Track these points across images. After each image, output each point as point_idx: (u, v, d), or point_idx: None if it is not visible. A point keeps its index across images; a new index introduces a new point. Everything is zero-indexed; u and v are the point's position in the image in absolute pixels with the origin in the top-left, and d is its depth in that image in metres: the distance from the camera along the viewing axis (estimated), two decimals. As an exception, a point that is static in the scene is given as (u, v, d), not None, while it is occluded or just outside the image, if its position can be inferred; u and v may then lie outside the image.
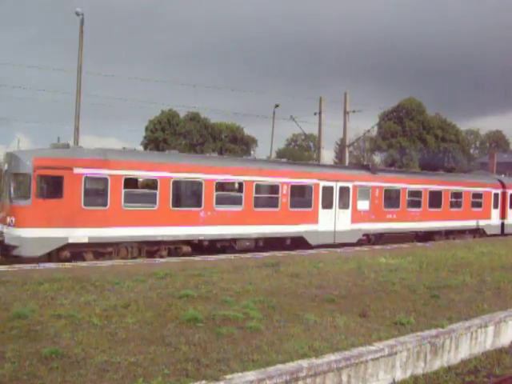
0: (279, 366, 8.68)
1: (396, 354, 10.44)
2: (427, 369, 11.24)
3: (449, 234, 35.27)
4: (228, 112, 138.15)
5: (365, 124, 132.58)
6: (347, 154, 42.78)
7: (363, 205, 29.38)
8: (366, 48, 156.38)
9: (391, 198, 31.38)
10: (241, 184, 24.50)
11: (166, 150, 70.06)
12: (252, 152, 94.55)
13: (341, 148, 58.73)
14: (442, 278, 17.79)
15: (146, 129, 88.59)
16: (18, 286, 13.48)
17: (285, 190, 25.93)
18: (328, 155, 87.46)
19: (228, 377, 8.08)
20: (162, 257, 21.62)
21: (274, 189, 25.87)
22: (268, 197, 25.94)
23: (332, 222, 27.95)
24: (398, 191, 31.57)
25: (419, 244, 30.63)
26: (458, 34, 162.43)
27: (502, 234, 39.11)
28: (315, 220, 27.29)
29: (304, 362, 8.93)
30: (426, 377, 10.98)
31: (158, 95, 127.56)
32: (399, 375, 10.60)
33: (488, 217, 38.17)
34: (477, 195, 37.12)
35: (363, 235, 29.65)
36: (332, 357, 9.34)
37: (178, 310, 11.78)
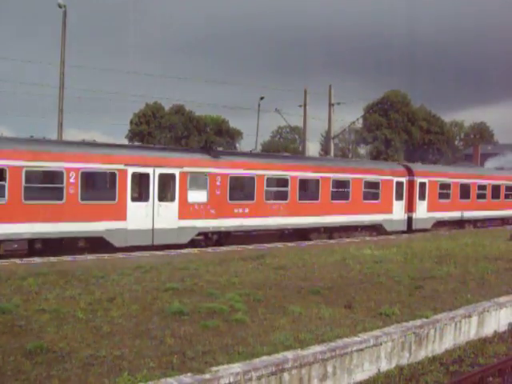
0: (265, 357, 8.70)
1: (381, 344, 10.50)
2: (412, 359, 11.31)
3: (333, 231, 29.74)
4: (213, 105, 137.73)
5: (350, 116, 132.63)
6: (332, 146, 42.87)
7: (198, 197, 23.68)
8: (351, 40, 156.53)
9: (242, 189, 26.12)
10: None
11: (151, 143, 69.92)
12: (237, 145, 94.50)
13: (326, 140, 58.83)
14: (426, 268, 17.91)
15: (131, 122, 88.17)
16: (1, 281, 13.38)
17: (72, 179, 20.35)
18: (314, 147, 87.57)
19: (213, 369, 8.09)
20: None
21: (56, 177, 20.41)
22: (49, 187, 20.57)
23: (149, 218, 22.26)
24: (251, 179, 25.68)
25: (404, 236, 30.78)
26: (442, 26, 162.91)
27: (409, 230, 33.35)
28: (122, 216, 21.54)
29: (289, 354, 8.96)
30: (410, 367, 11.05)
31: (143, 88, 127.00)
32: (384, 365, 10.67)
33: (388, 210, 32.25)
34: (372, 184, 31.25)
35: (199, 234, 23.96)
36: (317, 348, 9.37)
37: (163, 303, 11.76)
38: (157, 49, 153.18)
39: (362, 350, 10.06)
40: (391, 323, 11.31)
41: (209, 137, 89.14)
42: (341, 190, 29.59)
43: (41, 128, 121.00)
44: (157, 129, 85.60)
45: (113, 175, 21.51)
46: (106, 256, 19.03)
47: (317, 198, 28.31)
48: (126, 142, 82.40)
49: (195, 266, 16.36)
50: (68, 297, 11.98)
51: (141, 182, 22.81)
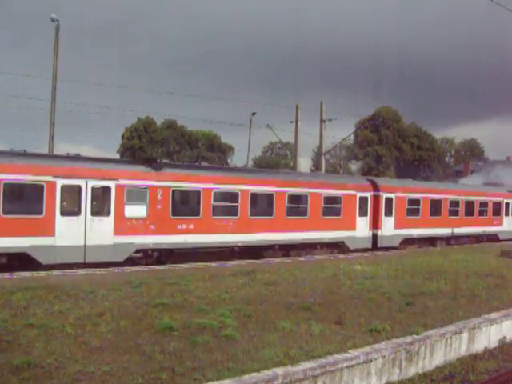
0: (254, 374, 8.64)
1: (371, 361, 10.45)
2: (402, 375, 11.26)
3: (290, 249, 27.87)
4: (205, 120, 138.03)
5: (342, 132, 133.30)
6: (323, 162, 42.98)
7: (136, 211, 22.08)
8: (342, 57, 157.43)
9: (186, 203, 24.89)
10: None
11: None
12: (229, 160, 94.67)
13: (317, 156, 59.00)
14: (417, 285, 17.89)
15: (123, 136, 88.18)
16: (-11, 296, 13.27)
17: None
18: (305, 163, 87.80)
19: (203, 385, 8.03)
20: None
21: None
22: None
23: (81, 233, 20.59)
24: (197, 193, 24.15)
25: (394, 251, 30.79)
26: (432, 43, 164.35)
27: (375, 247, 31.73)
28: (50, 231, 19.96)
29: (279, 370, 8.90)
30: (401, 383, 11.01)
31: (135, 103, 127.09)
32: (375, 382, 10.60)
33: (351, 227, 30.42)
34: (332, 199, 29.57)
35: (137, 251, 22.34)
36: (307, 364, 9.32)
37: (153, 318, 11.68)
38: (149, 64, 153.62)
39: (352, 366, 10.01)
40: (382, 340, 11.27)
41: (200, 152, 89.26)
42: (298, 205, 28.03)
43: (32, 141, 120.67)
44: (148, 143, 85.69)
45: (40, 187, 19.93)
46: (97, 271, 18.94)
47: (271, 214, 26.66)
48: (117, 156, 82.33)
49: (185, 282, 16.29)
50: (57, 312, 11.88)
51: (72, 194, 21.06)
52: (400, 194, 33.40)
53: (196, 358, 9.24)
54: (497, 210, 42.31)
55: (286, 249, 27.61)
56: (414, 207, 34.58)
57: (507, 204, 43.42)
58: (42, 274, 17.72)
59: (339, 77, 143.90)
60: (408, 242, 34.29)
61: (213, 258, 23.58)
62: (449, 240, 37.95)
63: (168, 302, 13.18)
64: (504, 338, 14.55)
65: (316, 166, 65.99)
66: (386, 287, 17.07)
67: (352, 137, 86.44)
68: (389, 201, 32.64)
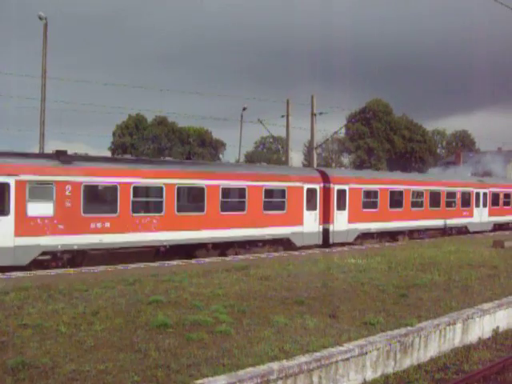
0: (250, 369, 8.66)
1: (366, 353, 10.50)
2: (397, 367, 11.33)
3: (226, 247, 25.58)
4: (196, 116, 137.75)
5: (333, 126, 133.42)
6: (315, 156, 42.99)
7: (41, 209, 19.88)
8: (333, 51, 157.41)
9: (102, 200, 22.58)
10: None
11: (134, 154, 69.69)
12: (221, 155, 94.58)
13: (309, 150, 59.03)
14: (410, 277, 17.97)
15: (114, 134, 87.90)
16: (-17, 296, 13.23)
17: None
18: (297, 157, 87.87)
19: (198, 382, 8.05)
20: None
21: None
22: None
23: None
24: (113, 189, 21.91)
25: (388, 244, 30.87)
26: (422, 34, 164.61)
27: (326, 244, 29.47)
28: None
29: (275, 365, 8.93)
30: (396, 375, 11.06)
31: (125, 100, 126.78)
32: (370, 375, 10.67)
33: (297, 222, 28.05)
34: (275, 193, 27.49)
35: (44, 253, 20.09)
36: (302, 358, 9.35)
37: (147, 315, 11.68)
38: (139, 60, 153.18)
39: (347, 359, 10.06)
40: (376, 332, 11.32)
41: (192, 148, 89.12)
42: (234, 199, 25.91)
43: (22, 140, 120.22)
44: (140, 140, 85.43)
45: None
46: (90, 269, 18.90)
47: (202, 210, 24.37)
48: (108, 153, 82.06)
49: (179, 278, 16.27)
50: (51, 311, 11.86)
51: None
52: (354, 186, 31.18)
53: (191, 355, 9.25)
54: (466, 200, 40.35)
55: (222, 247, 25.41)
56: (371, 200, 32.56)
57: (478, 194, 41.42)
58: (36, 273, 17.67)
59: (330, 71, 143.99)
60: (366, 236, 32.40)
61: (136, 259, 21.92)
62: (412, 234, 35.90)
63: (162, 299, 13.17)
64: (497, 327, 14.67)
65: (308, 161, 66.05)
66: (380, 280, 17.13)
67: (343, 130, 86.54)
68: (342, 193, 30.49)
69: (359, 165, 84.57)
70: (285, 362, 9.09)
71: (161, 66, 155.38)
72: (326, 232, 29.57)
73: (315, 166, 42.66)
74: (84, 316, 11.50)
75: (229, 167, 28.21)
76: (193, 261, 21.82)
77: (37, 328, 10.45)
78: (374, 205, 32.59)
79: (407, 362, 11.61)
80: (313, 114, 42.09)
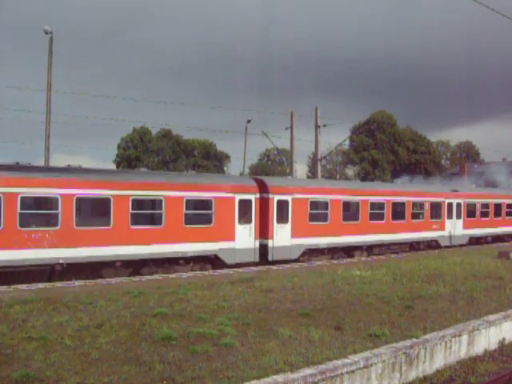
0: (254, 381, 8.64)
1: (371, 366, 10.45)
2: (403, 380, 11.27)
3: (139, 265, 22.51)
4: (200, 128, 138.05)
5: (337, 138, 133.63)
6: (319, 168, 43.02)
7: None
8: (337, 63, 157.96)
9: None
10: None
11: (138, 167, 69.83)
12: (225, 168, 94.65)
13: (313, 162, 59.06)
14: (415, 288, 17.91)
15: (118, 147, 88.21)
16: (-12, 309, 13.24)
17: None
18: (302, 169, 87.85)
19: (203, 394, 8.02)
20: None
21: None
22: None
23: None
24: None
25: (392, 255, 30.76)
26: (426, 46, 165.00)
27: (265, 261, 26.01)
28: None
29: (279, 377, 8.90)
30: (401, 388, 11.02)
31: (130, 113, 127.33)
32: (375, 387, 10.61)
33: (227, 237, 24.62)
34: (200, 203, 24.35)
35: None
36: (307, 371, 9.32)
37: (152, 328, 11.67)
38: (144, 73, 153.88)
39: (352, 371, 10.01)
40: (381, 344, 11.28)
41: (196, 160, 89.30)
42: (148, 211, 23.17)
43: (27, 153, 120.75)
44: (144, 153, 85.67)
45: None
46: (95, 282, 18.90)
47: (108, 224, 21.38)
48: (113, 166, 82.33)
49: (184, 291, 16.26)
50: (55, 324, 11.86)
51: None
52: (299, 196, 27.54)
53: (196, 367, 9.23)
54: (436, 212, 36.26)
55: (134, 265, 22.37)
56: (320, 211, 28.84)
57: (450, 205, 37.40)
58: (40, 286, 17.68)
59: (333, 83, 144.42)
60: (315, 253, 28.70)
61: (26, 279, 19.40)
62: (372, 249, 32.04)
63: (167, 312, 13.16)
64: (503, 339, 14.59)
65: (312, 173, 66.10)
66: (385, 291, 17.08)
67: (348, 142, 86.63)
68: (283, 204, 26.89)
69: (364, 176, 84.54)
70: (289, 375, 9.06)
71: (165, 79, 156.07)
72: (264, 248, 26.06)
73: (319, 177, 42.66)
74: (88, 329, 11.50)
75: (141, 175, 24.22)
76: (198, 273, 21.78)
77: (41, 341, 10.45)
78: (323, 217, 28.90)
79: (413, 375, 11.55)
80: (317, 126, 42.14)
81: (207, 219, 24.24)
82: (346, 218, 29.87)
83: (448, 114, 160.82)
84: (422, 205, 35.26)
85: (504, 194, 44.38)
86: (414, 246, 35.24)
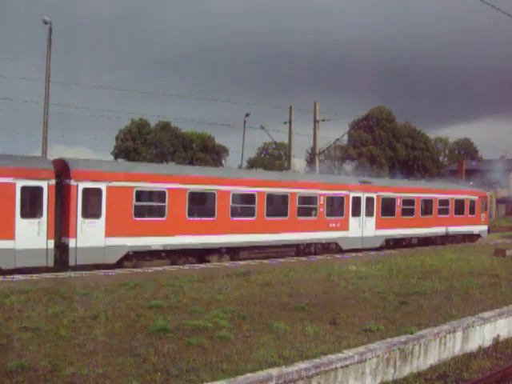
0: (249, 374, 8.65)
1: (366, 360, 10.47)
2: (397, 375, 11.30)
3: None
4: (199, 121, 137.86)
5: (336, 133, 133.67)
6: (317, 163, 43.00)
7: None
8: (336, 58, 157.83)
9: None
10: None
11: (136, 159, 69.77)
12: (223, 161, 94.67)
13: (311, 157, 59.04)
14: (411, 284, 17.94)
15: (117, 138, 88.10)
16: (-17, 299, 13.24)
17: None
18: (300, 164, 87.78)
19: (197, 387, 8.04)
20: None
21: None
22: None
23: None
24: None
25: (389, 251, 30.78)
26: (425, 42, 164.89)
27: (65, 266, 20.20)
28: None
29: (274, 371, 8.91)
30: (395, 383, 11.04)
31: (128, 105, 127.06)
32: (369, 382, 10.63)
33: (3, 236, 18.79)
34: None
35: None
36: (302, 365, 9.33)
37: (147, 320, 11.68)
38: (143, 65, 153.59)
39: (346, 366, 10.03)
40: (376, 339, 11.30)
41: (195, 153, 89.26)
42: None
43: (25, 144, 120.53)
44: (142, 145, 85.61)
45: None
46: (91, 273, 18.91)
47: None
48: (111, 158, 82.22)
49: (180, 283, 16.28)
50: (51, 314, 11.87)
51: None
52: (118, 184, 21.40)
53: (190, 360, 9.25)
54: (337, 208, 29.65)
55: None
56: (154, 204, 22.76)
57: (357, 199, 30.55)
58: (36, 277, 17.67)
59: (333, 77, 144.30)
60: (147, 255, 22.52)
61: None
62: (238, 253, 25.47)
63: (162, 304, 13.18)
64: (498, 336, 14.62)
65: (310, 167, 66.11)
66: (381, 287, 17.10)
67: (346, 137, 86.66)
68: (94, 193, 20.89)
69: (362, 172, 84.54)
70: (284, 369, 9.07)
71: (164, 71, 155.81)
72: (64, 249, 20.36)
73: (317, 172, 42.61)
74: (84, 320, 11.51)
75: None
76: (194, 266, 21.79)
77: (36, 331, 10.46)
78: (159, 212, 22.66)
79: (407, 370, 11.58)
80: (315, 121, 42.10)
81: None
82: (194, 213, 23.66)
83: (447, 111, 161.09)
84: (314, 199, 28.31)
85: (436, 189, 37.72)
86: (301, 250, 28.19)
